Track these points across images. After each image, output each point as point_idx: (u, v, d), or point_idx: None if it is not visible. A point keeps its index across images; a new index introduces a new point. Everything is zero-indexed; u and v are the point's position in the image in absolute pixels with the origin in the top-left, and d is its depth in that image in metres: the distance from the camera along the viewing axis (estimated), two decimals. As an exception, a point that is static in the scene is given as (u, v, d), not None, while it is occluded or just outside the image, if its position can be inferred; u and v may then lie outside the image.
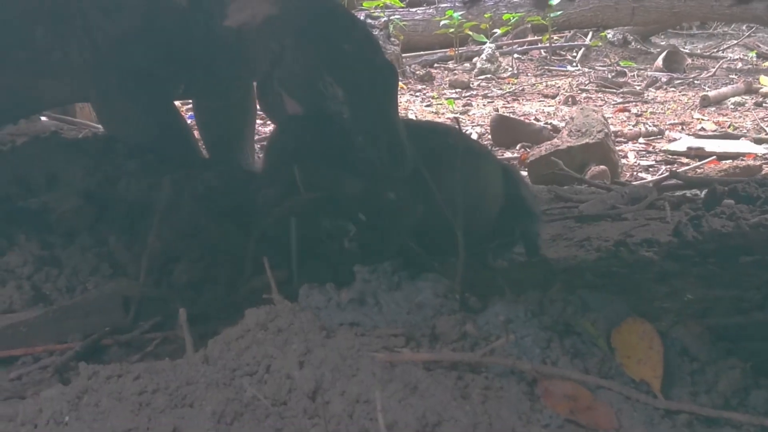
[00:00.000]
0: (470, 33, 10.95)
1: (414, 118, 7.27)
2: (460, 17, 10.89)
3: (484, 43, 10.83)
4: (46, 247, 3.09)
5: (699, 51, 12.21)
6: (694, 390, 1.95)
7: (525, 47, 11.38)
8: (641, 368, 1.98)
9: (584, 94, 9.08)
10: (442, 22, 10.94)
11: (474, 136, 6.93)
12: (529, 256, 3.66)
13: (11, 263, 3.00)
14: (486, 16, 11.18)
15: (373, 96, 3.10)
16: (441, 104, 8.45)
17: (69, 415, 1.78)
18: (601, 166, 5.53)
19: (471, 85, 9.52)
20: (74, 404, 1.81)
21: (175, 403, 1.82)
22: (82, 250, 3.08)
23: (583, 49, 11.43)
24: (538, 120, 7.61)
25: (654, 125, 7.58)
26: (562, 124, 7.02)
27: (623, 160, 6.19)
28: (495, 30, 11.21)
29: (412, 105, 8.40)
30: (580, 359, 1.97)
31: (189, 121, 4.34)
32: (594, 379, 1.92)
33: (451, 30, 10.79)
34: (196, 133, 4.04)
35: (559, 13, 11.02)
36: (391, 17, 10.93)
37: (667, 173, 5.58)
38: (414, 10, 11.99)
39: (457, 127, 3.49)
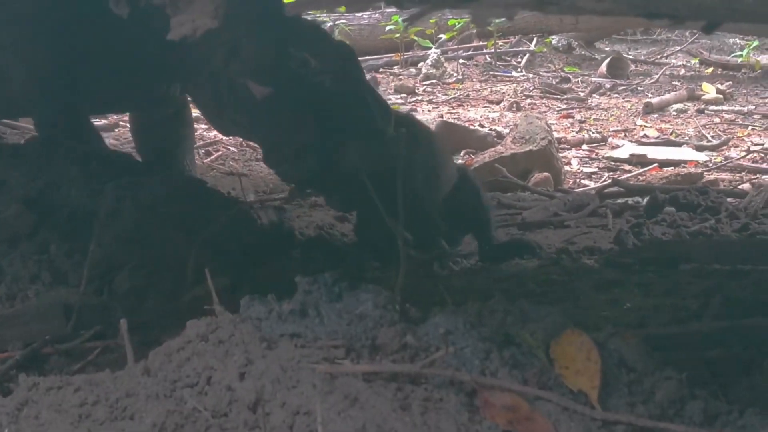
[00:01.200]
0: (416, 38, 10.97)
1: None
2: (405, 22, 10.92)
3: (430, 48, 10.85)
4: (-14, 255, 3.07)
5: (643, 57, 12.31)
6: (631, 401, 1.97)
7: (470, 53, 11.41)
8: (579, 379, 2.00)
9: (529, 100, 9.13)
10: (387, 27, 10.96)
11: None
12: (484, 261, 3.69)
13: (-50, 272, 2.99)
14: (431, 21, 11.21)
15: (344, 61, 3.14)
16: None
17: (8, 428, 1.78)
18: (545, 174, 5.57)
19: (416, 91, 9.54)
20: (14, 416, 1.81)
21: (115, 415, 1.82)
22: (23, 257, 3.06)
23: (527, 54, 11.49)
24: (482, 126, 7.63)
25: (597, 132, 7.65)
26: (507, 130, 7.06)
27: (566, 167, 6.24)
28: (440, 35, 11.25)
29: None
30: (519, 370, 1.99)
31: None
32: (532, 390, 1.93)
33: (397, 35, 10.81)
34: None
35: (503, 19, 11.06)
36: (337, 22, 10.94)
37: (610, 180, 5.63)
38: (360, 14, 12.00)
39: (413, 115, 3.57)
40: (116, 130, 7.16)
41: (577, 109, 8.80)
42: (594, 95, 9.60)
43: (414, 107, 8.70)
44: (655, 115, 8.50)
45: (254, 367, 1.88)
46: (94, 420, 1.80)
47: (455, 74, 10.43)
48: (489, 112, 8.60)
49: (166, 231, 3.19)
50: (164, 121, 3.91)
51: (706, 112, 8.73)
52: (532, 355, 2.03)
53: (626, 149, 6.92)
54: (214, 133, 6.79)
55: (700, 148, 7.13)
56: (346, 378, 1.88)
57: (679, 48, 12.70)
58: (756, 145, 7.34)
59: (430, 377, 1.93)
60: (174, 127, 3.97)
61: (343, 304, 2.11)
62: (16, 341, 2.72)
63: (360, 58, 9.83)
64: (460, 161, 6.29)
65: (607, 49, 12.35)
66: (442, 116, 8.15)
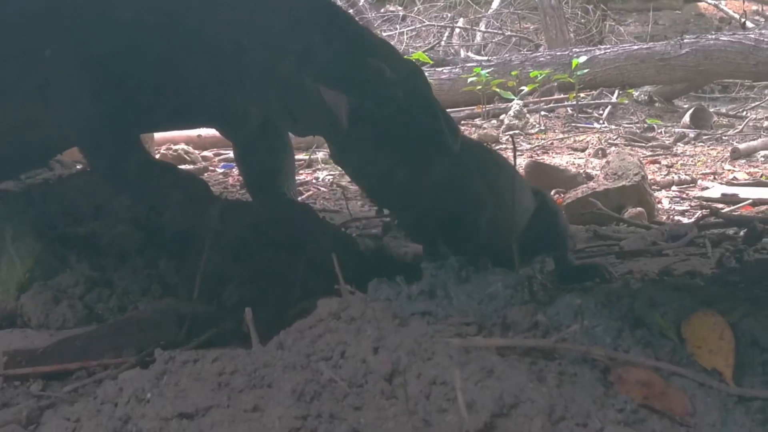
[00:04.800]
0: (497, 90, 11.00)
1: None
2: (487, 75, 10.96)
3: (512, 100, 10.87)
4: (98, 269, 3.11)
5: (724, 111, 12.24)
6: (766, 379, 1.96)
7: (552, 105, 11.42)
8: (712, 358, 1.99)
9: (614, 148, 9.09)
10: (469, 79, 11.00)
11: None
12: (561, 284, 3.65)
13: (63, 283, 3.03)
14: (513, 73, 11.26)
15: (415, 76, 3.07)
16: (471, 156, 8.44)
17: (151, 393, 1.80)
18: (638, 208, 5.54)
19: (500, 140, 9.56)
20: (155, 383, 1.83)
21: (254, 383, 1.83)
22: (133, 272, 3.10)
23: (609, 106, 11.47)
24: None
25: (686, 174, 7.61)
26: (595, 172, 7.05)
27: (658, 206, 6.20)
28: (522, 87, 11.27)
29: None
30: (652, 349, 1.99)
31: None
32: (667, 365, 1.93)
33: (479, 87, 10.84)
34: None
35: (585, 71, 11.08)
36: (419, 74, 10.99)
37: (707, 212, 5.58)
38: (440, 69, 12.08)
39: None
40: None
41: (663, 156, 8.75)
42: (679, 144, 9.55)
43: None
44: (743, 161, 8.43)
45: (388, 341, 1.89)
46: (233, 387, 1.82)
47: (537, 125, 10.43)
48: (574, 158, 8.59)
49: (272, 249, 3.21)
50: (263, 147, 3.91)
51: (795, 157, 8.67)
52: (664, 336, 2.03)
53: (717, 190, 6.85)
54: (303, 175, 6.87)
55: (793, 189, 7.06)
56: (481, 351, 1.88)
57: (758, 103, 12.63)
58: None
59: (563, 353, 1.93)
60: (273, 153, 3.96)
61: (472, 286, 2.12)
62: (130, 347, 2.75)
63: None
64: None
65: (685, 106, 12.27)
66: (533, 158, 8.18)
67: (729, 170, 7.98)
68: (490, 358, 1.85)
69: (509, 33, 16.98)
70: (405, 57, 3.32)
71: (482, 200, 3.14)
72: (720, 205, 6.31)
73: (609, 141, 9.54)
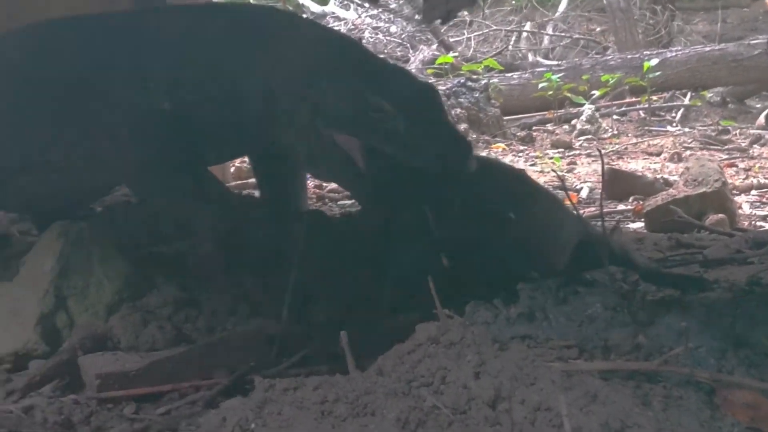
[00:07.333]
0: (569, 95, 10.93)
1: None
2: (558, 79, 10.90)
3: (583, 105, 10.79)
4: (184, 289, 3.12)
5: (798, 111, 12.07)
6: None
7: (623, 109, 11.33)
8: (819, 379, 1.96)
9: (689, 152, 8.99)
10: (540, 85, 10.94)
11: (584, 192, 6.89)
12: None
13: (151, 304, 3.04)
14: (584, 78, 11.19)
15: (421, 99, 3.04)
16: (545, 163, 8.42)
17: (254, 423, 1.79)
18: (720, 215, 5.46)
19: (573, 145, 9.49)
20: (257, 413, 1.83)
21: (356, 411, 1.83)
22: (220, 291, 3.11)
23: (682, 109, 11.36)
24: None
25: (765, 178, 7.50)
26: (673, 178, 6.97)
27: (739, 211, 6.10)
28: (593, 92, 11.19)
29: (516, 166, 8.34)
30: (756, 370, 1.95)
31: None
32: (776, 387, 1.90)
33: (550, 92, 10.79)
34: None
35: (657, 74, 10.99)
36: (491, 80, 10.97)
37: (790, 218, 5.50)
38: (510, 75, 12.03)
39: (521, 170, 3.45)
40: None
41: (740, 159, 8.64)
42: (755, 146, 9.42)
43: (573, 160, 8.63)
44: (822, 163, 8.31)
45: (489, 366, 1.88)
46: (336, 416, 1.82)
47: (610, 129, 10.36)
48: (650, 163, 8.50)
49: (358, 265, 3.21)
50: (279, 164, 3.92)
51: None
52: (768, 356, 2.00)
53: (798, 193, 6.77)
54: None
55: None
56: (583, 376, 1.86)
57: (832, 102, 12.46)
58: None
59: (667, 375, 1.91)
60: (287, 169, 3.98)
61: (570, 307, 2.10)
62: (220, 368, 2.76)
63: (513, 117, 9.85)
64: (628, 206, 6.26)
65: (758, 105, 12.12)
66: (608, 164, 8.09)
67: (809, 172, 7.87)
68: (594, 383, 1.83)
69: (577, 36, 16.88)
70: (421, 81, 3.28)
71: (500, 227, 3.10)
72: (803, 210, 6.22)
73: (684, 144, 9.43)
